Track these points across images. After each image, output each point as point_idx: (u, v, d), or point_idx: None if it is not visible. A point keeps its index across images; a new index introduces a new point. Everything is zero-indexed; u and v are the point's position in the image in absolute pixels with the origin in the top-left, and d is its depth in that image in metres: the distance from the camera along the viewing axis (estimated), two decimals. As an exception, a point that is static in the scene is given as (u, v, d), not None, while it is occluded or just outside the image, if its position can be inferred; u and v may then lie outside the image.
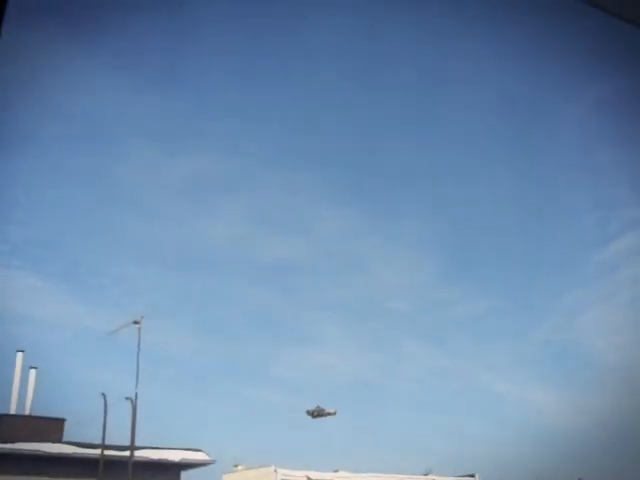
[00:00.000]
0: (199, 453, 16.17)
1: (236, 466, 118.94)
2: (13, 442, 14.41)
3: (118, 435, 15.37)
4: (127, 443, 14.99)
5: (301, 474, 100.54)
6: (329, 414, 49.11)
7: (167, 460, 15.55)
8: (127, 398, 14.91)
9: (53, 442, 15.04)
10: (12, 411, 16.98)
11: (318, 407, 22.60)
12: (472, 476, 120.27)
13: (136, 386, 15.10)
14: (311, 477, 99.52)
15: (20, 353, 17.45)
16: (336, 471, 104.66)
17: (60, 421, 17.17)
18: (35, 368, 17.78)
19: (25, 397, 17.36)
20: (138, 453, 15.02)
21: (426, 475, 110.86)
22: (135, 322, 15.70)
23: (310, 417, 22.32)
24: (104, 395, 14.69)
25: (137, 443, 15.15)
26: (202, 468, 17.92)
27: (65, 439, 16.14)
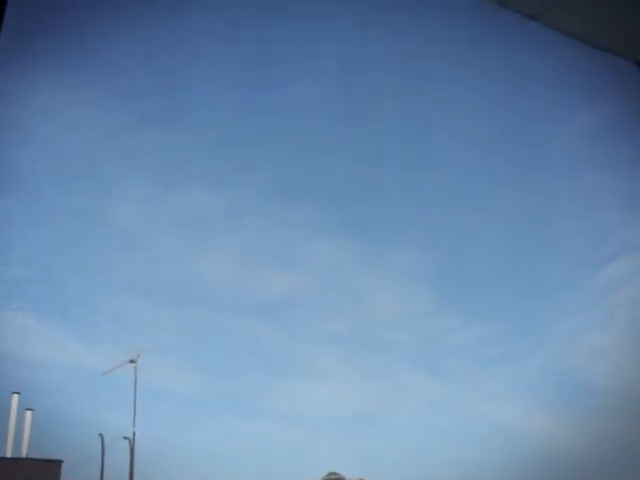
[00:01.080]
0: (198, 492, 16.00)
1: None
2: (9, 486, 14.25)
3: (116, 475, 15.25)
4: (125, 483, 14.84)
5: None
6: None
7: (166, 500, 15.38)
8: (125, 437, 14.81)
9: (50, 484, 14.88)
10: (8, 454, 16.83)
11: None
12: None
13: (133, 425, 15.02)
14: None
15: (16, 395, 17.33)
16: None
17: (57, 462, 17.04)
18: (31, 410, 17.69)
19: (22, 439, 17.22)
20: (137, 493, 14.87)
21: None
22: (131, 361, 15.65)
23: None
24: (101, 435, 14.61)
25: (135, 483, 14.99)
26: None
27: (62, 481, 15.98)
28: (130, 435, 14.95)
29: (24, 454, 17.05)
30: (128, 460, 14.94)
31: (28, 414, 17.57)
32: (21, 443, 17.13)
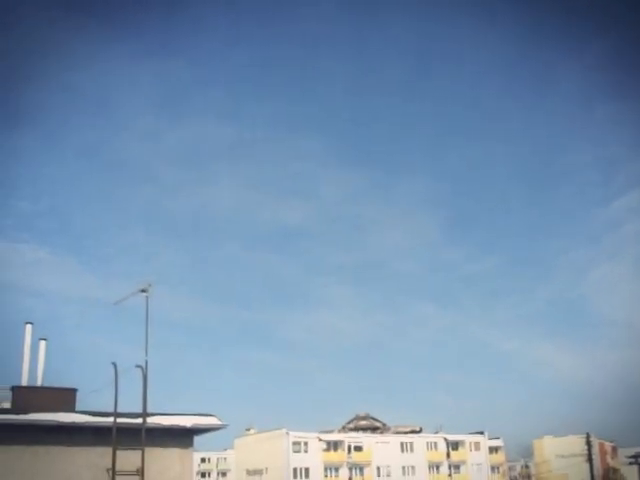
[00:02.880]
0: (211, 418, 16.30)
1: (248, 430, 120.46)
2: (26, 413, 14.55)
3: (130, 403, 15.51)
4: (139, 410, 15.10)
5: (313, 435, 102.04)
6: None
7: (179, 426, 15.68)
8: (137, 366, 14.99)
9: (66, 412, 15.16)
10: (24, 383, 17.13)
11: None
12: (481, 433, 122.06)
13: (146, 354, 15.17)
14: (322, 438, 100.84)
15: (29, 325, 17.54)
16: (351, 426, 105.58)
17: (72, 391, 17.32)
18: (45, 340, 17.89)
19: (36, 369, 17.52)
20: (150, 420, 15.15)
21: (436, 433, 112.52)
22: (142, 290, 15.71)
23: None
24: (114, 364, 14.77)
25: (149, 410, 15.27)
26: (214, 433, 18.05)
27: (77, 409, 16.28)
28: (143, 363, 15.12)
29: (39, 383, 17.36)
30: (141, 388, 15.15)
31: (42, 344, 17.80)
32: (36, 372, 17.43)
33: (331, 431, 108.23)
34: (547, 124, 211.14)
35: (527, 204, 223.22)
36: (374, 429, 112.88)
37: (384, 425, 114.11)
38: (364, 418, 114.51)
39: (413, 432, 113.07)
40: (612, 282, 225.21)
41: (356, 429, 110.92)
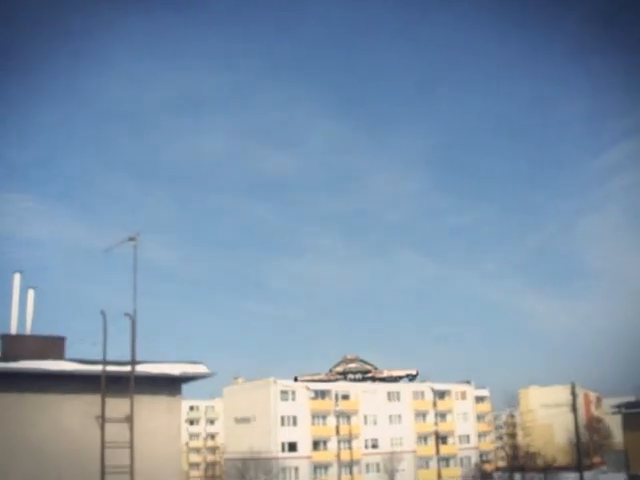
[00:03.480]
0: (199, 366, 16.41)
1: (236, 379, 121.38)
2: (16, 361, 14.61)
3: (119, 351, 15.59)
4: (128, 359, 15.19)
5: (300, 384, 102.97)
6: None
7: (168, 374, 15.79)
8: (126, 314, 15.03)
9: (55, 360, 15.24)
10: (13, 331, 17.16)
11: None
12: (467, 382, 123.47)
13: (134, 302, 15.20)
14: (310, 387, 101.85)
15: (17, 274, 17.50)
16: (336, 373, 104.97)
17: (61, 339, 17.38)
18: (33, 288, 17.87)
19: (25, 317, 17.53)
20: (139, 368, 15.25)
21: (423, 382, 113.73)
22: (131, 239, 15.67)
23: None
24: (103, 312, 14.81)
25: (137, 359, 15.35)
26: (203, 382, 18.21)
27: (66, 357, 16.36)
28: (131, 312, 15.16)
29: (28, 332, 17.39)
30: (130, 336, 15.22)
31: (30, 292, 17.77)
32: (25, 321, 17.44)
33: (318, 374, 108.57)
34: (540, 75, 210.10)
35: (517, 154, 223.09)
36: (364, 373, 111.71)
37: (375, 368, 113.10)
38: (352, 361, 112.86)
39: (409, 376, 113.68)
40: (600, 234, 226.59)
41: (344, 373, 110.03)
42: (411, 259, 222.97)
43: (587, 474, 66.23)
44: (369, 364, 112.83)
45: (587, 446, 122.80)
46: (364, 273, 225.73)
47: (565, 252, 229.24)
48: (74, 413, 15.01)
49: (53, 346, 16.62)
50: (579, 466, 62.15)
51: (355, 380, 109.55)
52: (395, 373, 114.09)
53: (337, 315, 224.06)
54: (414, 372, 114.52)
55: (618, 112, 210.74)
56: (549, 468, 56.71)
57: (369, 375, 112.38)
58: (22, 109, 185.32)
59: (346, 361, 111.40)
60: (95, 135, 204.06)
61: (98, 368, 14.83)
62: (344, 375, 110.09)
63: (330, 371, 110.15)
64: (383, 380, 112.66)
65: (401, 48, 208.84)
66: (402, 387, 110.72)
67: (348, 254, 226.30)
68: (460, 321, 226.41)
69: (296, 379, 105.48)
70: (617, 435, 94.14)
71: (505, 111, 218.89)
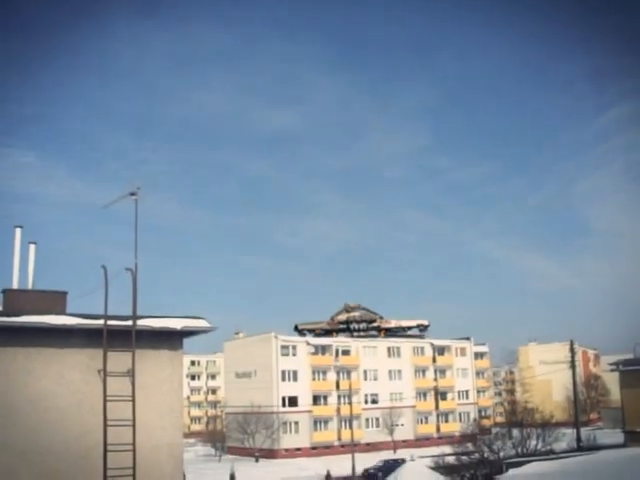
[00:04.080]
0: (200, 321, 16.50)
1: (237, 334, 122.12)
2: (18, 316, 14.70)
3: (120, 306, 15.67)
4: (129, 314, 15.28)
5: (301, 339, 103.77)
6: None
7: (169, 328, 15.88)
8: (127, 269, 15.08)
9: (57, 314, 15.32)
10: (15, 286, 17.22)
11: None
12: (467, 339, 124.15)
13: (135, 257, 15.24)
14: (310, 342, 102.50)
15: (18, 229, 17.51)
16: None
17: (62, 294, 17.46)
18: (34, 243, 17.90)
19: (27, 273, 17.56)
20: (140, 322, 15.34)
21: (423, 338, 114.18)
22: (132, 194, 15.64)
23: None
24: (104, 267, 14.85)
25: (139, 313, 15.44)
26: (204, 336, 18.32)
27: (68, 311, 16.44)
28: (132, 267, 15.20)
29: (30, 286, 17.46)
30: (131, 291, 15.28)
31: (31, 247, 17.80)
32: (26, 276, 17.48)
33: (320, 323, 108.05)
34: (542, 33, 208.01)
35: (519, 113, 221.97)
36: (369, 322, 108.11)
37: (381, 318, 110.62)
38: (355, 309, 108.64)
39: (420, 327, 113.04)
40: (600, 192, 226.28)
41: (348, 322, 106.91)
42: (411, 216, 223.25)
43: (584, 430, 66.94)
44: (374, 313, 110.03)
45: (584, 403, 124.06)
46: (365, 229, 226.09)
47: (566, 211, 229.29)
48: (76, 367, 15.14)
49: (55, 301, 16.71)
50: (576, 422, 62.77)
51: (359, 330, 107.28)
52: (404, 323, 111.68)
53: (337, 271, 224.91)
54: (426, 322, 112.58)
55: (620, 72, 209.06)
56: (546, 424, 57.25)
57: (374, 325, 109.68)
58: (23, 64, 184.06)
59: (348, 309, 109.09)
60: (96, 91, 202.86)
61: (100, 322, 14.93)
62: (347, 325, 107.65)
63: (332, 319, 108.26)
64: (389, 331, 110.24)
65: (404, 3, 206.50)
66: (402, 343, 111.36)
67: (348, 210, 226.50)
68: (460, 278, 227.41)
69: (296, 327, 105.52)
70: (614, 392, 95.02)
71: (507, 70, 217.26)
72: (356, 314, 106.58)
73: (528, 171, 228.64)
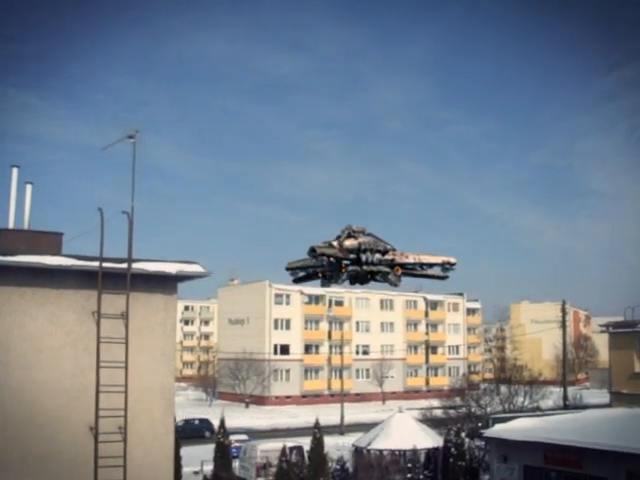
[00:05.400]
0: (195, 266, 16.55)
1: (232, 280, 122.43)
2: (13, 255, 14.72)
3: (115, 249, 15.69)
4: (124, 256, 15.31)
5: (295, 288, 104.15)
6: None
7: (164, 272, 15.93)
8: (124, 212, 15.07)
9: (52, 255, 15.35)
10: (10, 226, 17.19)
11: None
12: (460, 294, 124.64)
13: (132, 200, 15.22)
14: (304, 292, 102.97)
15: (15, 168, 17.40)
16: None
17: (58, 235, 17.44)
18: (31, 183, 17.81)
19: (23, 213, 17.51)
20: (135, 265, 15.38)
21: (416, 292, 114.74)
22: (130, 137, 15.55)
23: None
24: (100, 209, 14.85)
25: (134, 257, 15.48)
26: (198, 282, 18.38)
27: (63, 253, 16.45)
28: (129, 210, 15.20)
29: (26, 227, 17.41)
30: (127, 234, 15.29)
31: (28, 187, 17.72)
32: (22, 216, 17.43)
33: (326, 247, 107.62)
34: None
35: (524, 71, 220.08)
36: (383, 252, 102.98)
37: (394, 250, 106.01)
38: (361, 233, 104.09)
39: (445, 264, 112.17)
40: (600, 154, 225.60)
41: (359, 250, 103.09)
42: (411, 169, 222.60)
43: (571, 389, 67.70)
44: (385, 242, 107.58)
45: (573, 363, 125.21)
46: (364, 180, 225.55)
47: (566, 171, 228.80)
48: (71, 308, 15.21)
49: (50, 242, 16.72)
50: (563, 381, 63.41)
51: (369, 264, 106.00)
52: (426, 259, 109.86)
53: (335, 221, 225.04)
54: (453, 260, 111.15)
55: (627, 34, 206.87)
56: (534, 382, 57.81)
57: (388, 257, 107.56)
58: (22, 3, 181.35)
59: (351, 232, 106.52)
60: (96, 31, 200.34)
61: (95, 264, 14.96)
62: (357, 253, 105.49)
63: (340, 246, 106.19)
64: (404, 267, 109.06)
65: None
66: (395, 296, 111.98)
67: (349, 161, 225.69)
68: (457, 233, 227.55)
69: (287, 268, 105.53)
70: (603, 354, 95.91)
71: (514, 27, 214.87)
72: (367, 240, 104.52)
73: (531, 129, 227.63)
